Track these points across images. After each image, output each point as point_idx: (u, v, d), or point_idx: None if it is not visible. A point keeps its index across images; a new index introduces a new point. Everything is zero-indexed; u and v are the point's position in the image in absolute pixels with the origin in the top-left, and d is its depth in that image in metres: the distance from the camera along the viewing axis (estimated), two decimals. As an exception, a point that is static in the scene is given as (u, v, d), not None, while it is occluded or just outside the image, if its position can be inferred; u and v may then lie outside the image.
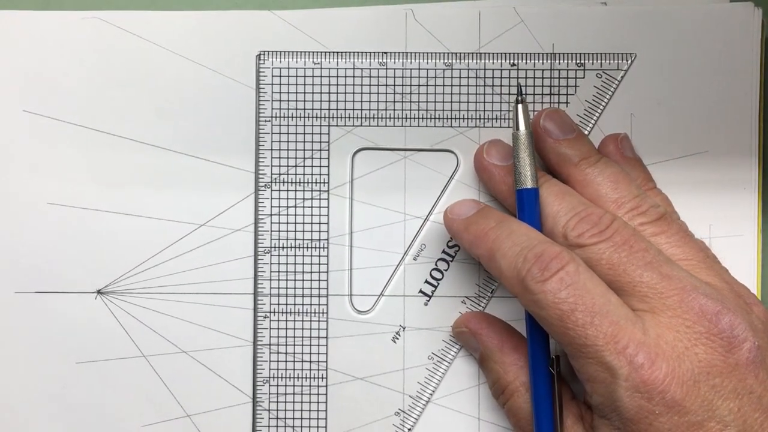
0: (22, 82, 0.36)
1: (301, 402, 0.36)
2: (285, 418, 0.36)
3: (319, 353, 0.36)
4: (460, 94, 0.36)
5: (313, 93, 0.36)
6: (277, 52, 0.36)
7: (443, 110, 0.36)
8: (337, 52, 0.36)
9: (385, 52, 0.36)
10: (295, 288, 0.36)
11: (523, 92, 0.35)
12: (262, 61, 0.36)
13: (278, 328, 0.36)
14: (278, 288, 0.36)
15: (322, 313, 0.36)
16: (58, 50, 0.36)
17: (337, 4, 0.36)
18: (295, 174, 0.36)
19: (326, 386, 0.36)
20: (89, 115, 0.36)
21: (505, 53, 0.35)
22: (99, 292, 0.36)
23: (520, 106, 0.33)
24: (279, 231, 0.36)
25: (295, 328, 0.36)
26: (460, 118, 0.36)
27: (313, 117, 0.36)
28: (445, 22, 0.35)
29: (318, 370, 0.36)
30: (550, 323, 0.29)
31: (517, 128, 0.33)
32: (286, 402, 0.36)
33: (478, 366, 0.35)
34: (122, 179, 0.36)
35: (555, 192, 0.32)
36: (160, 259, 0.36)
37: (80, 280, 0.36)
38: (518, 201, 0.33)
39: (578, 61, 0.35)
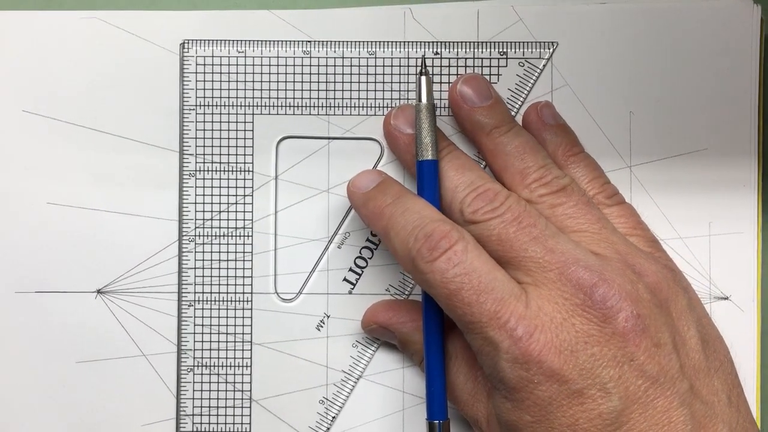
0: (22, 82, 0.36)
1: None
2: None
3: (243, 349, 0.36)
4: (383, 82, 0.36)
5: (237, 81, 0.36)
6: (201, 40, 0.36)
7: (367, 99, 0.36)
8: (262, 41, 0.36)
9: (309, 41, 0.36)
10: (219, 277, 0.36)
11: (427, 64, 0.35)
12: (186, 50, 0.36)
13: (202, 317, 0.36)
14: (203, 276, 0.36)
15: (247, 301, 0.36)
16: (57, 50, 0.36)
17: (337, 4, 0.36)
18: (220, 162, 0.36)
19: (250, 383, 0.36)
20: (89, 115, 0.36)
21: (427, 42, 0.36)
22: (99, 291, 0.36)
23: (423, 78, 0.33)
24: (204, 219, 0.36)
25: (219, 317, 0.36)
26: (384, 107, 0.36)
27: (237, 105, 0.36)
28: (443, 20, 0.36)
29: (243, 365, 0.36)
30: (439, 301, 0.30)
31: (419, 99, 0.33)
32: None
33: (401, 351, 0.35)
34: (122, 179, 0.36)
35: (456, 165, 0.33)
36: (160, 258, 0.36)
37: (80, 279, 0.36)
38: (418, 172, 0.33)
39: (501, 50, 0.36)
